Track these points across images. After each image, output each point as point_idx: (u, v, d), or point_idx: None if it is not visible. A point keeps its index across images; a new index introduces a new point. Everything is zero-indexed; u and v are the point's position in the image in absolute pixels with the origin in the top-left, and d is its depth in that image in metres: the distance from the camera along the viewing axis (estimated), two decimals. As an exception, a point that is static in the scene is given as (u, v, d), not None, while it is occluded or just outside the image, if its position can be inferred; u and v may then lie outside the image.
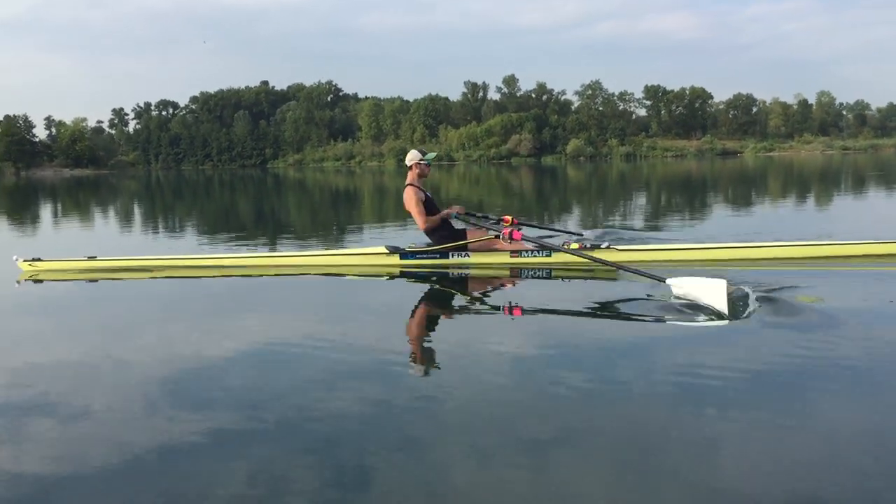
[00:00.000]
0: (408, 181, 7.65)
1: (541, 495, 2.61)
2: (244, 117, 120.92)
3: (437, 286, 7.01)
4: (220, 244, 11.22)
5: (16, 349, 4.96)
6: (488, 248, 7.43)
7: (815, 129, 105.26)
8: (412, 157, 7.75)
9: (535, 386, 3.82)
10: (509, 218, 7.94)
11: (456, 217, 7.66)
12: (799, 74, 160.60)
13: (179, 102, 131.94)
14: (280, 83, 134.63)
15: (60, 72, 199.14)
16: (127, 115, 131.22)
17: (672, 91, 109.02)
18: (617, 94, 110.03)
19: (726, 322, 4.82)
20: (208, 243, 11.73)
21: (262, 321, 5.60)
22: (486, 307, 6.18)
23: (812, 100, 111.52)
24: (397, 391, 3.75)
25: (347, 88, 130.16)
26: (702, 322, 4.92)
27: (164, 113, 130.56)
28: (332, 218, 17.53)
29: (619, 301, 5.86)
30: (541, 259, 7.33)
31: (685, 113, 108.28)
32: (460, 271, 7.36)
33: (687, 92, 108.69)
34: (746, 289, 5.31)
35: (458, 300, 6.63)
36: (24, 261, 7.90)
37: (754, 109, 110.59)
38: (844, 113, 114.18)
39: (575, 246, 7.16)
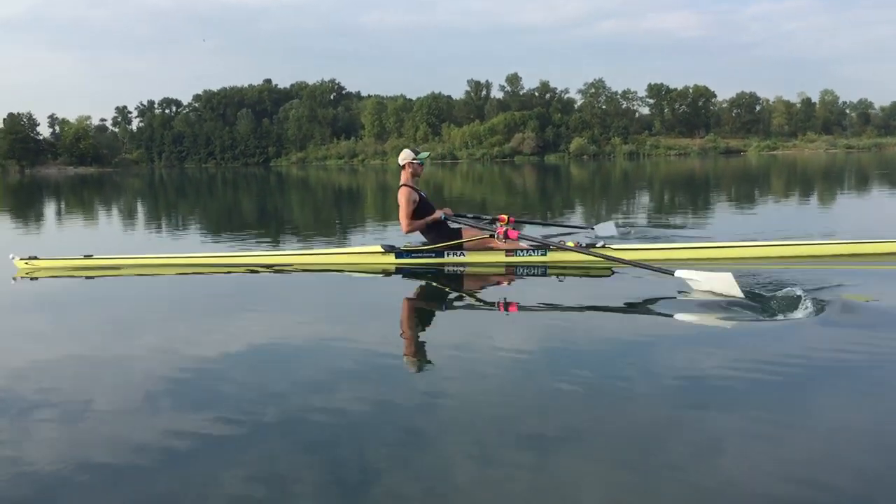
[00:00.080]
0: (402, 181, 7.63)
1: (543, 493, 2.61)
2: (247, 115, 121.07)
3: (434, 284, 7.01)
4: (217, 242, 11.24)
5: (12, 347, 4.95)
6: (484, 248, 7.42)
7: (819, 127, 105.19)
8: (405, 156, 7.72)
9: (535, 383, 3.82)
10: (505, 217, 7.94)
11: (445, 219, 7.63)
12: (802, 73, 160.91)
13: (182, 100, 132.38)
14: (283, 81, 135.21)
15: (63, 70, 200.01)
16: (130, 113, 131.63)
17: (675, 89, 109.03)
18: (620, 92, 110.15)
19: (784, 319, 4.79)
20: (206, 242, 11.74)
21: (258, 320, 5.59)
22: (483, 304, 6.17)
23: (815, 98, 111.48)
24: (396, 389, 3.75)
25: (350, 87, 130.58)
26: (723, 318, 4.97)
27: (167, 111, 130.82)
28: (335, 216, 17.54)
29: (616, 298, 5.88)
30: (536, 258, 7.34)
31: (688, 111, 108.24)
32: (456, 269, 7.36)
33: (690, 90, 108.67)
34: (797, 291, 5.26)
35: (455, 298, 6.63)
36: (21, 259, 7.90)
37: (757, 108, 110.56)
38: (848, 112, 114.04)
39: (571, 244, 7.16)
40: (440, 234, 7.53)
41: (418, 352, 4.53)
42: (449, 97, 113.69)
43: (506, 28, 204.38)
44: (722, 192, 21.92)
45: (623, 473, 2.76)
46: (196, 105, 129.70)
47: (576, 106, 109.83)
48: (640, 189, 25.43)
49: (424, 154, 7.84)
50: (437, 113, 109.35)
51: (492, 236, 7.26)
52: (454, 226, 7.65)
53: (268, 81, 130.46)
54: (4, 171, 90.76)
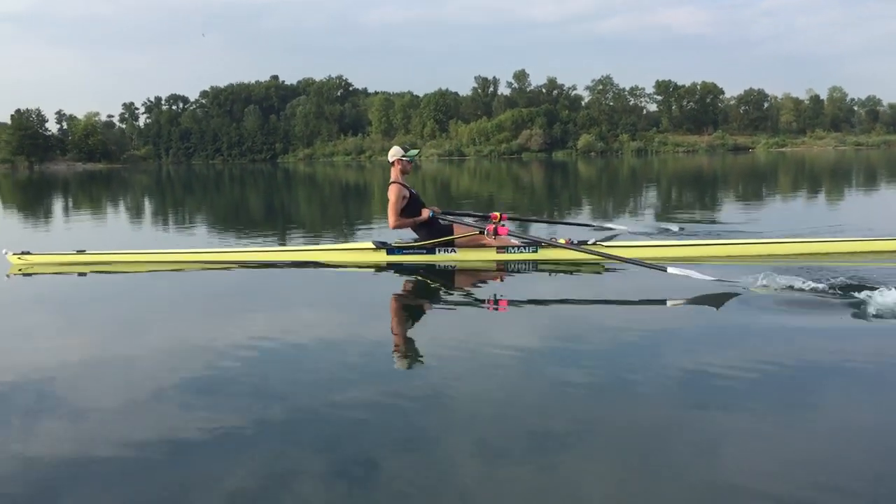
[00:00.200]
0: (392, 178, 7.64)
1: (545, 490, 2.59)
2: (254, 112, 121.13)
3: (425, 281, 7.03)
4: (213, 239, 11.29)
5: (10, 345, 4.95)
6: (475, 244, 7.45)
7: (827, 124, 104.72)
8: (394, 153, 7.73)
9: (529, 380, 3.83)
10: (497, 214, 7.96)
11: (433, 217, 7.64)
12: (810, 70, 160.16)
13: (189, 97, 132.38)
14: (290, 78, 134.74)
15: (68, 67, 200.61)
16: (137, 109, 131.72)
17: (683, 86, 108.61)
18: (628, 89, 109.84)
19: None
20: (202, 238, 11.80)
21: (251, 317, 5.60)
22: (473, 301, 6.16)
23: (824, 95, 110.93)
24: (394, 387, 3.75)
25: (357, 83, 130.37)
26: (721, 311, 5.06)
27: (174, 107, 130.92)
28: (341, 212, 17.54)
29: (607, 295, 5.97)
30: (528, 255, 7.37)
31: (696, 108, 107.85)
32: (447, 266, 7.37)
33: (698, 87, 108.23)
34: (797, 288, 5.39)
35: (446, 295, 6.64)
36: (14, 254, 7.93)
37: (765, 105, 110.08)
38: (856, 109, 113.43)
39: (562, 241, 7.22)
40: (431, 231, 7.56)
41: (410, 350, 4.53)
42: (456, 94, 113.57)
43: (513, 24, 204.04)
44: (730, 190, 21.84)
45: (624, 471, 2.75)
46: (203, 101, 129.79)
47: (583, 103, 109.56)
48: (648, 186, 25.36)
49: (414, 151, 7.89)
50: (444, 109, 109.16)
51: (481, 233, 7.30)
52: (445, 223, 7.67)
53: (275, 78, 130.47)
54: (14, 168, 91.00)
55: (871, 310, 4.93)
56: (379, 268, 7.39)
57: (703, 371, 3.83)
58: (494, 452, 2.93)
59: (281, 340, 4.71)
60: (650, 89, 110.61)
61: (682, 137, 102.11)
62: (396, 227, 7.57)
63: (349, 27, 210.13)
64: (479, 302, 6.07)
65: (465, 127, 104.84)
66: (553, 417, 3.27)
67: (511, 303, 5.75)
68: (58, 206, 23.00)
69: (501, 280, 6.95)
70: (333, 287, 7.00)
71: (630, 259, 6.51)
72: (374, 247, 7.55)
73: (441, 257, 7.45)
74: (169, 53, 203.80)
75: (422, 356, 4.31)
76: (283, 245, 9.75)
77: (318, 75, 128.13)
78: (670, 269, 5.90)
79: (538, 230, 9.90)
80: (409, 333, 5.07)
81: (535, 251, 7.33)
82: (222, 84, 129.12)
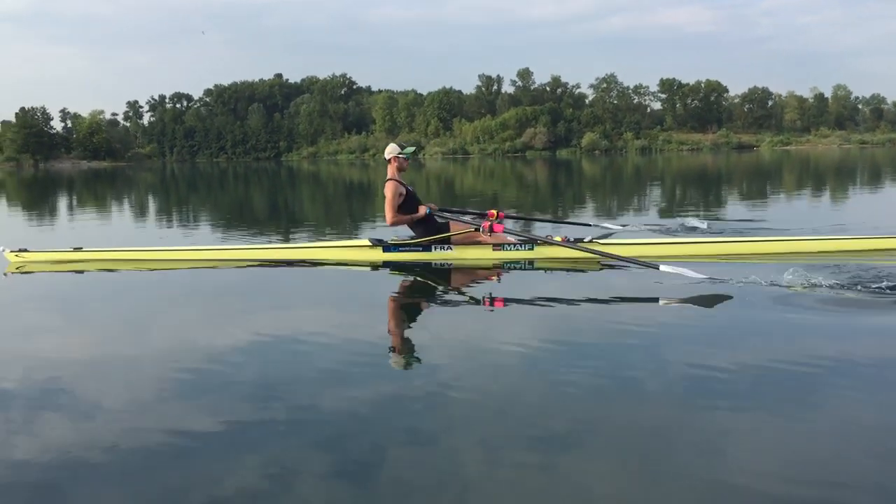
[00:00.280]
0: (388, 175, 7.66)
1: (548, 488, 2.59)
2: (258, 110, 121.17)
3: (421, 279, 7.04)
4: (212, 237, 11.28)
5: (10, 344, 4.96)
6: (471, 242, 7.47)
7: (832, 122, 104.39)
8: (391, 150, 7.77)
9: (532, 378, 3.84)
10: (494, 212, 7.98)
11: (430, 213, 7.65)
12: (814, 68, 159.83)
13: (193, 95, 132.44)
14: (294, 76, 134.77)
15: (71, 65, 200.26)
16: (141, 107, 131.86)
17: (687, 84, 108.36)
18: (632, 87, 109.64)
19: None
20: (199, 235, 11.83)
21: (245, 315, 5.61)
22: (469, 300, 6.17)
23: (828, 93, 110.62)
24: (394, 384, 3.76)
25: (361, 81, 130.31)
26: (703, 308, 5.12)
27: (178, 105, 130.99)
28: (345, 210, 17.55)
29: (604, 292, 5.95)
30: (524, 252, 7.37)
31: (700, 106, 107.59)
32: (443, 263, 7.38)
33: (702, 85, 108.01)
34: (797, 285, 5.41)
35: (442, 293, 6.66)
36: (11, 251, 7.96)
37: (770, 103, 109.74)
38: (860, 107, 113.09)
39: (558, 239, 7.25)
40: (428, 228, 7.58)
41: (407, 348, 4.53)
42: (460, 92, 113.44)
43: (516, 22, 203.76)
44: (734, 188, 21.80)
45: (625, 469, 2.75)
46: (207, 100, 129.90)
47: (587, 101, 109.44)
48: (651, 184, 25.31)
49: (410, 149, 7.91)
50: (448, 108, 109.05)
51: (477, 230, 7.32)
52: (442, 220, 7.69)
53: (278, 76, 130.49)
54: (19, 166, 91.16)
55: (877, 306, 4.94)
56: (375, 265, 7.41)
57: (702, 369, 3.83)
58: (495, 450, 2.94)
59: (277, 339, 4.72)
60: (654, 87, 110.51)
61: (686, 136, 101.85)
62: (394, 223, 7.59)
63: (351, 26, 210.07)
64: (475, 300, 6.07)
65: (468, 125, 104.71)
66: (553, 415, 3.28)
67: (507, 301, 5.76)
68: (62, 203, 23.04)
69: (498, 278, 6.95)
70: (329, 285, 7.03)
71: (623, 257, 6.57)
72: (370, 244, 7.56)
73: (437, 255, 7.46)
74: (171, 52, 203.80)
75: (419, 355, 4.32)
76: (282, 242, 9.75)
77: (322, 74, 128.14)
78: (663, 268, 5.97)
79: (535, 229, 9.95)
80: (406, 332, 5.09)
81: (532, 248, 7.34)
82: (226, 82, 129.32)
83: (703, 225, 9.55)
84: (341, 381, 3.79)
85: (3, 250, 7.99)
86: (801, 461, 2.77)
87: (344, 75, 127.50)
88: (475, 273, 7.14)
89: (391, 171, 7.66)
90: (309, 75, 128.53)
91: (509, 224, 8.38)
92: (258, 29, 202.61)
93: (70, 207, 21.23)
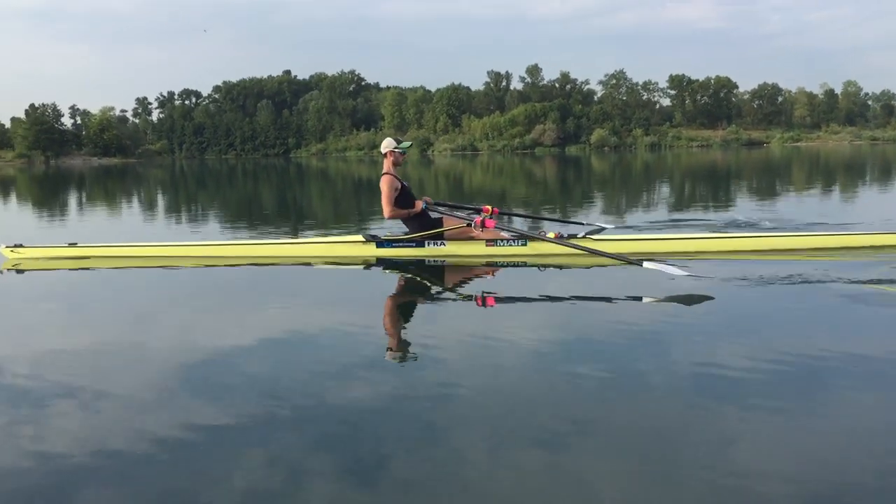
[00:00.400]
0: (384, 169, 7.68)
1: (552, 484, 2.59)
2: (267, 107, 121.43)
3: (414, 275, 7.04)
4: (215, 233, 11.28)
5: (9, 342, 4.95)
6: (464, 238, 7.49)
7: (842, 119, 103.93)
8: (387, 144, 7.78)
9: (530, 376, 3.83)
10: (489, 207, 7.97)
11: (426, 207, 7.68)
12: (824, 64, 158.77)
13: (202, 92, 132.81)
14: (302, 73, 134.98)
15: (81, 61, 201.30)
16: (150, 104, 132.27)
17: (697, 81, 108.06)
18: (641, 83, 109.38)
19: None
20: (196, 231, 11.87)
21: (239, 311, 5.62)
22: (461, 297, 6.16)
23: (838, 89, 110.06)
24: (393, 383, 3.75)
25: (370, 78, 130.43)
26: (692, 304, 5.17)
27: (187, 102, 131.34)
28: (354, 206, 17.56)
29: (596, 289, 6.02)
30: (517, 249, 7.38)
31: (710, 103, 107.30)
32: (437, 259, 7.39)
33: (712, 81, 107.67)
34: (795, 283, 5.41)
35: (435, 290, 6.64)
36: (7, 247, 8.01)
37: (779, 99, 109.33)
38: (870, 103, 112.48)
39: (552, 235, 7.26)
40: (421, 224, 7.60)
41: (402, 346, 4.52)
42: (468, 88, 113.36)
43: (525, 18, 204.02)
44: (743, 184, 21.70)
45: (627, 468, 2.74)
46: (216, 96, 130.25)
47: (596, 97, 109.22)
48: (661, 181, 25.25)
49: (406, 143, 7.93)
50: (457, 104, 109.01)
51: (469, 225, 7.34)
52: (435, 215, 7.72)
53: (287, 73, 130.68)
54: (30, 162, 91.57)
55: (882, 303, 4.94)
56: (368, 261, 7.43)
57: (701, 367, 3.82)
58: (498, 448, 2.93)
59: (273, 336, 4.72)
60: (663, 84, 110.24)
61: (695, 132, 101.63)
62: (391, 217, 7.63)
63: (359, 22, 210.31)
64: (468, 297, 6.08)
65: (477, 122, 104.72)
66: (552, 412, 3.28)
67: (501, 298, 5.75)
68: (72, 200, 23.12)
69: (490, 274, 6.93)
70: (322, 282, 7.06)
71: (608, 254, 6.55)
72: (363, 240, 7.59)
73: (431, 251, 7.48)
74: (180, 48, 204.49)
75: (414, 352, 4.30)
76: (278, 238, 9.74)
77: (330, 70, 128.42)
78: (646, 265, 6.00)
79: (529, 225, 10.00)
80: (400, 329, 5.09)
81: (525, 245, 7.35)
82: (235, 79, 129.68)
83: (767, 223, 9.35)
84: (340, 379, 3.79)
85: (1, 246, 8.03)
86: (803, 459, 2.76)
87: (353, 72, 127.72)
88: (468, 269, 7.15)
89: (387, 165, 7.69)
90: (317, 72, 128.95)
91: (504, 220, 8.38)
92: (267, 25, 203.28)
93: (80, 203, 21.31)
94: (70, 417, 3.40)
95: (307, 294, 6.33)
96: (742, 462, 2.75)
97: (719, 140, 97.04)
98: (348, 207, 17.58)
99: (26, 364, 4.24)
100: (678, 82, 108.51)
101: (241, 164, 73.23)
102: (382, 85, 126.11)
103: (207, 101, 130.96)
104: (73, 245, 8.12)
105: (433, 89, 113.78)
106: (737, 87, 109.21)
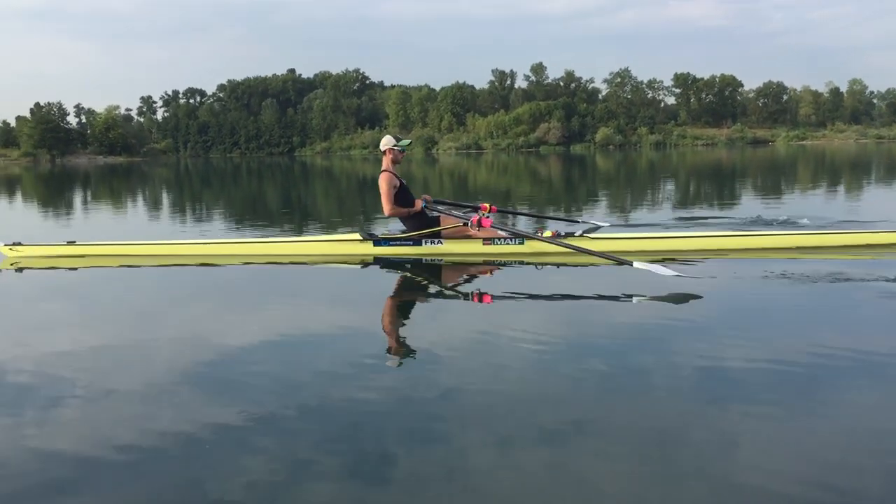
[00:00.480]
0: (383, 167, 7.69)
1: (554, 483, 2.59)
2: (271, 105, 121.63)
3: (411, 274, 7.05)
4: (211, 230, 11.30)
5: (10, 340, 4.94)
6: (461, 236, 7.49)
7: (847, 117, 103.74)
8: (386, 142, 7.81)
9: (531, 372, 3.83)
10: (486, 205, 7.96)
11: (425, 206, 7.69)
12: (829, 62, 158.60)
13: (207, 90, 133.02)
14: (307, 71, 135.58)
15: (85, 60, 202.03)
16: (155, 102, 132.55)
17: (701, 79, 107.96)
18: (645, 81, 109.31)
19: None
20: (195, 229, 11.86)
21: (237, 309, 5.61)
22: (458, 295, 6.17)
23: (843, 88, 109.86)
24: (392, 381, 3.75)
25: (374, 77, 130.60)
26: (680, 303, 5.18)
27: (191, 101, 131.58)
28: (358, 204, 17.57)
29: (592, 288, 5.97)
30: (514, 247, 7.38)
31: (715, 101, 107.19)
32: (434, 258, 7.39)
33: (716, 80, 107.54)
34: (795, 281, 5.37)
35: (432, 288, 6.65)
36: (5, 245, 8.02)
37: (784, 98, 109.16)
38: (876, 101, 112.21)
39: (549, 234, 7.28)
40: (419, 222, 7.62)
41: (400, 344, 4.52)
42: (473, 87, 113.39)
43: (529, 17, 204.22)
44: (748, 183, 21.66)
45: (628, 467, 2.73)
46: (220, 95, 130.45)
47: (601, 96, 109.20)
48: (665, 180, 25.20)
49: (405, 142, 7.95)
50: (461, 103, 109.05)
51: (465, 224, 7.33)
52: (433, 214, 7.72)
53: (291, 71, 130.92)
54: (36, 161, 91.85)
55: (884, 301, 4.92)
56: (365, 259, 7.43)
57: (701, 366, 3.81)
58: (500, 446, 2.92)
59: (270, 334, 4.71)
60: (668, 82, 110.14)
61: (700, 130, 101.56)
62: (391, 214, 7.65)
63: (363, 21, 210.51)
64: (465, 296, 6.07)
65: (482, 120, 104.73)
66: (552, 410, 3.27)
67: (497, 297, 5.74)
68: (77, 198, 23.18)
69: (487, 273, 6.91)
70: (320, 280, 7.06)
71: (598, 252, 6.53)
72: (360, 238, 7.58)
73: (428, 249, 7.49)
74: (184, 47, 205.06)
75: (411, 351, 4.30)
76: (276, 236, 9.73)
77: (335, 69, 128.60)
78: (636, 265, 5.99)
79: (526, 223, 9.97)
80: (397, 327, 5.08)
81: (522, 243, 7.35)
82: (239, 77, 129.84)
83: (806, 220, 9.21)
84: (337, 377, 3.78)
85: None
86: (803, 459, 2.75)
87: (357, 70, 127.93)
88: (466, 268, 7.13)
89: (386, 162, 7.70)
90: (322, 70, 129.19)
91: (502, 219, 8.37)
92: (271, 24, 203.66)
93: (84, 202, 21.36)
94: (69, 415, 3.39)
95: (304, 292, 6.32)
96: (743, 461, 2.74)
97: (724, 139, 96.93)
98: (352, 206, 17.60)
99: (25, 363, 4.23)
100: (683, 81, 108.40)
101: (246, 162, 73.35)
102: (387, 83, 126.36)
103: (212, 100, 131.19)
104: (71, 243, 8.13)
105: (437, 88, 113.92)
106: (742, 85, 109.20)
